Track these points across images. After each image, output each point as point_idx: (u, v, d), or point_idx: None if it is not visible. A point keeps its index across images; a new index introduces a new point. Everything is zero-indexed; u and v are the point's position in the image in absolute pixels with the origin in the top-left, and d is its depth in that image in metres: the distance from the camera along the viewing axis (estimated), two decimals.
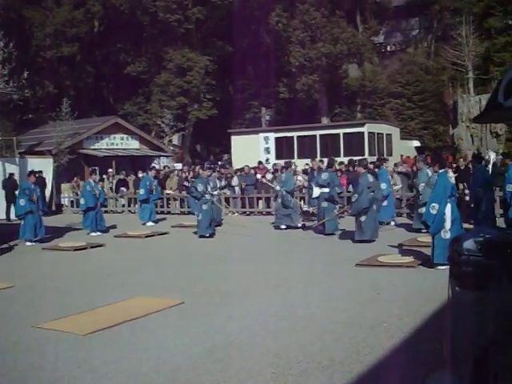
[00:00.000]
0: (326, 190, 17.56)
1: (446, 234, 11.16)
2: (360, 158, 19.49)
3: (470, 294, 1.01)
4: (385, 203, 18.65)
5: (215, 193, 20.15)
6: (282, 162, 27.33)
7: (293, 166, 21.48)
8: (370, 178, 15.88)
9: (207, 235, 18.22)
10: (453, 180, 20.91)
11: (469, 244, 1.00)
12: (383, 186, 18.81)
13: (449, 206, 11.30)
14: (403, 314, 8.21)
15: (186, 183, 26.89)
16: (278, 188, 19.96)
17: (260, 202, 25.12)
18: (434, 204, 11.21)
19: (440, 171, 12.01)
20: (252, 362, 6.50)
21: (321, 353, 6.71)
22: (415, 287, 9.96)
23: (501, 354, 0.98)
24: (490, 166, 17.67)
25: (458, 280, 1.00)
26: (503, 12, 39.74)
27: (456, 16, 42.46)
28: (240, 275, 11.80)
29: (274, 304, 9.16)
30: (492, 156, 18.22)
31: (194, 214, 19.82)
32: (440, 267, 11.06)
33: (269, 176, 25.70)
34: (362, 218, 15.38)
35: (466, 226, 16.60)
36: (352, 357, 6.55)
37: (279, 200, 19.50)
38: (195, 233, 18.65)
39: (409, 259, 12.28)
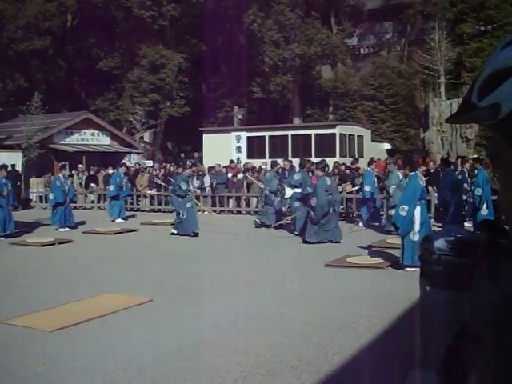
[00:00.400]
0: (299, 190, 17.58)
1: (415, 236, 11.24)
2: (319, 160, 19.35)
3: (440, 294, 1.01)
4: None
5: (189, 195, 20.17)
6: (252, 162, 27.51)
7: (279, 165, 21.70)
8: (328, 181, 16.05)
9: (197, 231, 17.81)
10: (423, 183, 21.21)
11: (440, 243, 1.00)
12: (367, 188, 18.84)
13: (418, 208, 11.38)
14: (372, 315, 8.25)
15: (157, 181, 26.72)
16: (261, 186, 20.12)
17: (230, 200, 25.07)
18: (403, 206, 11.28)
19: (410, 174, 12.08)
20: (220, 361, 6.49)
21: (289, 352, 6.72)
22: (384, 288, 10.01)
23: (464, 353, 0.98)
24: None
25: (429, 279, 1.00)
26: (475, 18, 40.14)
27: (429, 21, 42.83)
28: (210, 273, 11.76)
29: (243, 303, 9.15)
30: None
31: (173, 212, 19.61)
32: (408, 269, 11.15)
33: (239, 175, 25.69)
34: (322, 221, 15.53)
35: (435, 228, 16.76)
36: (320, 357, 6.56)
37: (264, 198, 19.63)
38: (184, 234, 17.96)
39: (378, 260, 12.36)
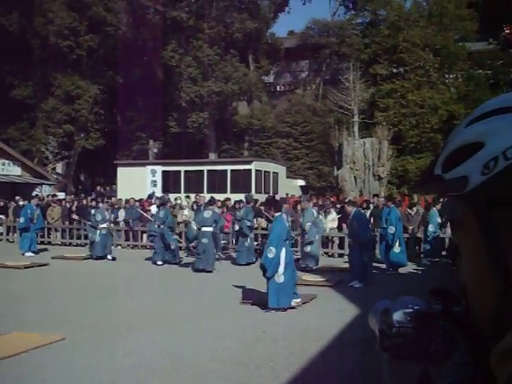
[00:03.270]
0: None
1: (280, 278, 11.37)
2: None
3: (401, 366, 1.03)
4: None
5: (104, 225, 20.04)
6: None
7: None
8: (206, 214, 17.59)
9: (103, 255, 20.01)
10: (336, 221, 21.55)
11: (398, 316, 1.02)
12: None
13: (284, 250, 11.51)
14: (289, 354, 8.24)
15: (75, 217, 26.03)
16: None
17: (144, 235, 24.73)
18: (271, 248, 11.36)
19: (276, 215, 12.10)
20: None
21: None
22: (299, 326, 10.04)
23: None
24: None
25: (390, 352, 1.01)
26: (388, 60, 41.51)
27: (344, 61, 44.18)
28: (123, 310, 11.51)
29: (158, 342, 8.98)
30: None
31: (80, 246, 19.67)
32: (273, 311, 11.23)
33: (153, 209, 25.34)
34: (198, 251, 17.31)
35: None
36: None
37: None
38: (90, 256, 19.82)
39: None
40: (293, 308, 11.48)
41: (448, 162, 1.00)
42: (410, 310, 1.08)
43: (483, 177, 0.93)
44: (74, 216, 26.00)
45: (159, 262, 18.87)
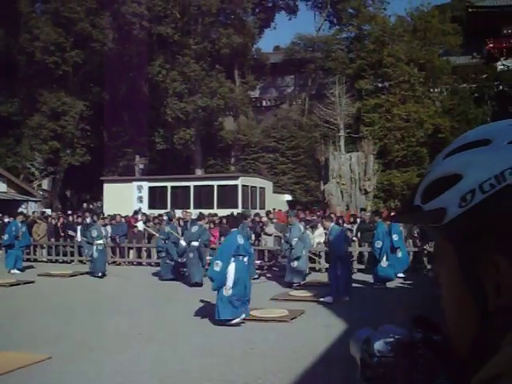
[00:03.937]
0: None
1: (228, 292, 11.50)
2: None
3: None
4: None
5: (100, 241, 20.01)
6: (154, 212, 27.28)
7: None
8: (193, 229, 18.14)
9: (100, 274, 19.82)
10: (323, 236, 21.54)
11: (379, 345, 1.02)
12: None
13: (232, 264, 11.61)
14: (277, 370, 8.22)
15: (71, 233, 25.88)
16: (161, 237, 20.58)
17: (131, 251, 24.65)
18: (217, 261, 11.54)
19: (232, 230, 12.33)
20: None
21: None
22: (288, 342, 10.02)
23: None
24: None
25: (371, 382, 1.02)
26: (373, 75, 41.66)
27: (329, 76, 44.31)
28: (111, 328, 11.45)
29: (146, 359, 8.94)
30: None
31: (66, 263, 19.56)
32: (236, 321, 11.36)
33: (140, 226, 25.27)
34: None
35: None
36: None
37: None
38: (89, 273, 19.67)
39: (281, 313, 12.39)
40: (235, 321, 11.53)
41: (427, 192, 1.00)
42: (391, 340, 1.08)
43: (460, 209, 0.94)
44: (70, 232, 25.85)
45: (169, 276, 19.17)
